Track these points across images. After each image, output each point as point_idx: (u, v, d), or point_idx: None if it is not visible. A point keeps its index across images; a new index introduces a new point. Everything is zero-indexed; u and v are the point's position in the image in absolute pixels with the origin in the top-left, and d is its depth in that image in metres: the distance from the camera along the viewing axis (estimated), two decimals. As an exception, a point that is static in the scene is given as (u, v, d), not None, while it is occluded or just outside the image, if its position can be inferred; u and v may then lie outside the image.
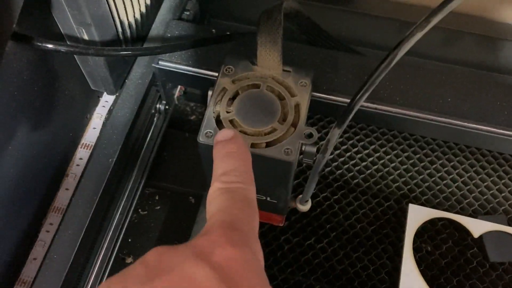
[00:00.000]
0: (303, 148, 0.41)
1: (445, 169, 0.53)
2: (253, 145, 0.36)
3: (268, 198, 0.42)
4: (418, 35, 0.30)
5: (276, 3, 0.40)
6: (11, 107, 0.41)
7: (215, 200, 0.26)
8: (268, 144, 0.36)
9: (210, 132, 0.36)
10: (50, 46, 0.39)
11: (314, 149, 0.37)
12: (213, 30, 0.48)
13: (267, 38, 0.38)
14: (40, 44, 0.38)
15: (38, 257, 0.45)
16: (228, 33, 0.48)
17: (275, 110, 0.37)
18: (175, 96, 0.56)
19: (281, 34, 0.38)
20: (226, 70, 0.39)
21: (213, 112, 0.37)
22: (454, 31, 0.53)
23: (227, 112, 0.37)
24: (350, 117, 0.33)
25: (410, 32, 0.30)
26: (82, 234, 0.41)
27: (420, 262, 0.48)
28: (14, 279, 0.45)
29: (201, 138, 0.36)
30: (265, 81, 0.38)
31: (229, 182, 0.26)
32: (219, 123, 0.37)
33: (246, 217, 0.25)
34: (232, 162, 0.27)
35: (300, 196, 0.45)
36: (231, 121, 0.37)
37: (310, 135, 0.36)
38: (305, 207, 0.46)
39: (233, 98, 0.38)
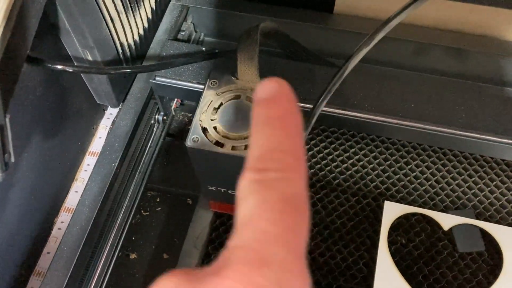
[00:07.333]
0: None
1: (419, 169, 0.57)
2: (234, 148, 0.41)
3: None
4: (364, 51, 0.35)
5: (254, 25, 0.45)
6: (26, 120, 0.46)
7: (243, 201, 0.18)
8: (247, 147, 0.42)
9: (196, 137, 0.42)
10: (59, 66, 0.43)
11: None
12: (203, 49, 0.54)
13: (245, 56, 0.44)
14: (50, 65, 0.42)
15: (51, 251, 0.51)
16: (216, 51, 0.54)
17: (253, 117, 0.43)
18: (173, 107, 0.62)
19: (257, 51, 0.43)
20: (211, 83, 0.45)
21: (200, 120, 0.43)
22: (423, 43, 0.58)
23: (212, 120, 0.43)
24: (314, 120, 0.38)
25: (357, 48, 0.35)
26: (88, 230, 0.47)
27: (395, 253, 0.52)
28: (30, 271, 0.50)
29: (189, 143, 0.42)
30: (245, 92, 0.44)
31: (264, 171, 0.18)
32: (204, 130, 0.42)
33: (284, 234, 0.17)
34: (272, 136, 0.20)
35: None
36: (215, 128, 0.42)
37: (281, 138, 0.42)
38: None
39: (217, 108, 0.43)
